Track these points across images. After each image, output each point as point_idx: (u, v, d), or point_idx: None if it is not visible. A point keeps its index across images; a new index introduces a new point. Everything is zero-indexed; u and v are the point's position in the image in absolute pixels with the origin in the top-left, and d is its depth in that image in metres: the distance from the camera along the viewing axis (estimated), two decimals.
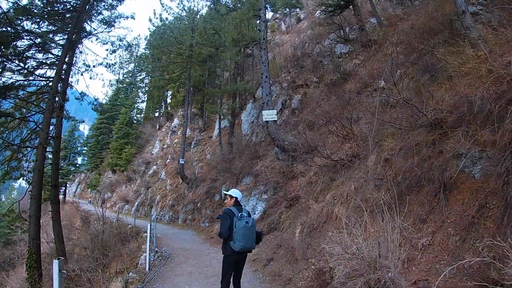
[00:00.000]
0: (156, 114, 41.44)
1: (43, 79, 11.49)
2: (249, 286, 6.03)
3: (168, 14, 19.05)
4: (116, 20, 13.87)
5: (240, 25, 12.54)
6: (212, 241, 10.71)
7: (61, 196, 30.72)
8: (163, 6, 18.67)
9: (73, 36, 11.00)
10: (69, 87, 13.16)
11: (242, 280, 4.54)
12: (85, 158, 40.12)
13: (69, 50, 10.91)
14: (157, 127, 34.99)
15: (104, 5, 13.52)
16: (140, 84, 41.02)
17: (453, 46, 6.55)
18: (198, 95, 23.92)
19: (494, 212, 3.67)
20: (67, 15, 11.69)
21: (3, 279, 15.00)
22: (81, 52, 13.44)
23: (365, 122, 8.26)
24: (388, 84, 5.36)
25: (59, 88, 11.78)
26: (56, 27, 11.29)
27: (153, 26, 19.42)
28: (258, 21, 13.19)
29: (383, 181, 5.55)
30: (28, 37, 10.37)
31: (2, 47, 9.64)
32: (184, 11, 18.78)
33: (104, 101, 39.83)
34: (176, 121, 29.47)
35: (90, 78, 14.84)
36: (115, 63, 14.59)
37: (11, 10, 9.79)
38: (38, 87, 12.04)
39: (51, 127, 12.00)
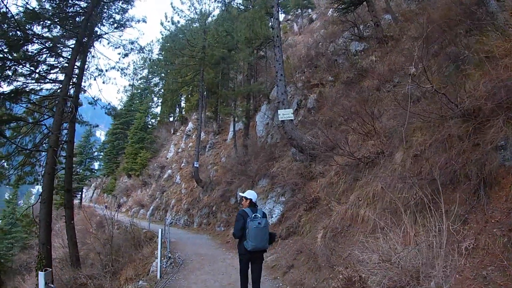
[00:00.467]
0: (171, 119, 41.64)
1: (56, 83, 11.41)
2: None
3: (180, 17, 18.83)
4: (127, 23, 13.80)
5: (253, 23, 12.24)
6: (227, 246, 10.30)
7: (77, 201, 31.16)
8: (174, 9, 18.49)
9: (84, 39, 10.87)
10: (82, 92, 13.15)
11: None
12: (101, 164, 40.56)
13: (79, 52, 10.78)
14: (172, 132, 35.04)
15: (115, 9, 13.49)
16: (154, 89, 41.29)
17: (477, 35, 6.26)
18: (212, 98, 23.71)
19: None
20: (77, 19, 11.61)
21: (19, 283, 15.03)
22: (93, 56, 13.41)
23: (388, 118, 7.76)
24: (419, 70, 4.86)
25: (72, 93, 11.75)
26: (67, 31, 11.19)
27: (165, 29, 19.35)
28: (271, 18, 12.83)
29: (414, 179, 5.03)
30: (38, 41, 10.30)
31: (13, 51, 9.58)
32: (195, 13, 18.61)
33: (119, 107, 40.41)
34: (190, 125, 29.40)
35: (103, 82, 14.76)
36: (127, 66, 14.51)
37: (21, 14, 9.73)
38: (51, 92, 12.02)
39: (64, 132, 11.97)
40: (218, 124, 25.76)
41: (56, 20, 10.99)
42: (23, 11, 9.86)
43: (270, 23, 12.44)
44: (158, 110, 43.85)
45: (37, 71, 10.75)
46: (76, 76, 11.89)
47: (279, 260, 6.86)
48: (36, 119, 11.76)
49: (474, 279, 3.38)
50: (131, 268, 8.12)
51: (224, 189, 15.02)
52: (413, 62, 4.81)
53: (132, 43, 13.97)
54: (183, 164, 25.16)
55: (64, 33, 11.90)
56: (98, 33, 12.74)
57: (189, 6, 19.26)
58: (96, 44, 13.06)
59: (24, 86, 10.52)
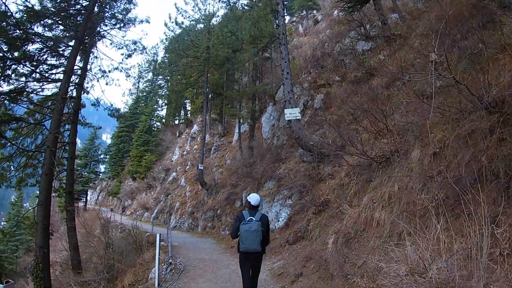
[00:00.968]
0: (176, 122, 41.52)
1: (59, 82, 11.15)
2: None
3: (184, 18, 18.60)
4: (130, 23, 13.59)
5: (258, 21, 11.90)
6: (232, 251, 9.88)
7: (81, 204, 31.04)
8: (178, 10, 18.30)
9: (84, 37, 10.63)
10: (85, 93, 12.94)
11: None
12: (107, 166, 40.50)
13: (80, 51, 10.53)
14: (177, 134, 34.87)
15: (117, 9, 13.28)
16: (159, 91, 41.20)
17: (491, 29, 6.09)
18: (217, 100, 23.45)
19: None
20: (79, 18, 11.38)
21: (22, 286, 14.75)
22: (96, 57, 13.20)
23: (401, 115, 7.36)
24: (441, 57, 4.47)
25: (73, 94, 11.53)
26: (67, 30, 10.96)
27: (169, 30, 19.14)
28: (276, 16, 12.51)
29: (434, 179, 4.62)
30: (39, 40, 10.06)
31: (12, 50, 9.34)
32: (200, 14, 18.37)
33: (124, 110, 40.39)
34: (195, 127, 29.17)
35: (107, 84, 14.56)
36: (130, 67, 14.27)
37: (20, 13, 9.51)
38: (53, 93, 11.80)
39: (66, 133, 11.75)
40: (223, 126, 25.49)
41: (57, 19, 10.76)
42: (23, 9, 9.64)
43: (276, 21, 12.11)
44: (163, 113, 43.84)
45: (38, 70, 10.49)
46: (79, 77, 11.69)
47: (287, 268, 6.41)
48: (38, 120, 11.55)
49: None
50: (131, 274, 7.73)
51: (229, 192, 14.64)
52: (435, 47, 4.41)
53: (135, 43, 13.76)
54: (188, 166, 24.89)
55: (66, 34, 11.72)
56: (101, 33, 12.52)
57: (193, 7, 19.12)
58: (99, 45, 12.88)
59: (24, 86, 10.26)
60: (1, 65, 9.90)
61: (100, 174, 36.77)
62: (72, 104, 11.53)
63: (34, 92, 10.80)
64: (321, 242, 6.28)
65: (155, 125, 39.16)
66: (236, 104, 20.23)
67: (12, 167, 11.65)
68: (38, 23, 10.82)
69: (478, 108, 4.77)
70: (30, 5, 9.55)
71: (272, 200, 10.08)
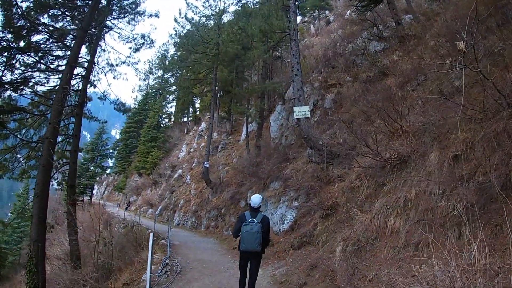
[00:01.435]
0: (185, 119, 41.43)
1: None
2: None
3: (194, 14, 18.39)
4: (138, 16, 13.39)
5: (269, 16, 11.53)
6: (234, 253, 9.48)
7: (87, 198, 31.09)
8: (188, 6, 18.08)
9: (90, 27, 10.39)
10: (92, 87, 12.77)
11: None
12: (115, 161, 40.63)
13: (83, 40, 10.29)
14: (185, 132, 34.75)
15: (126, 2, 13.08)
16: (169, 89, 41.17)
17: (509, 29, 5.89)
18: (225, 97, 23.15)
19: None
20: (86, 10, 11.17)
21: (22, 278, 14.65)
22: (104, 50, 13.02)
23: (416, 115, 6.91)
24: (469, 47, 4.05)
25: (80, 87, 11.34)
26: (73, 20, 10.75)
27: (179, 25, 18.92)
28: (286, 12, 12.10)
29: (455, 184, 4.20)
30: (45, 30, 9.84)
31: (17, 39, 9.13)
32: (210, 10, 18.10)
33: (133, 106, 40.46)
34: (203, 125, 28.99)
35: (114, 78, 14.37)
36: (138, 61, 14.06)
37: (27, 2, 9.32)
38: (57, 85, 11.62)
39: (70, 126, 11.57)
40: (231, 125, 25.24)
41: (64, 10, 10.56)
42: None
43: (287, 17, 11.71)
44: (172, 109, 43.84)
45: (43, 61, 10.28)
46: (85, 70, 11.49)
47: (290, 275, 5.97)
48: (42, 112, 11.38)
49: None
50: (127, 272, 7.43)
51: (234, 191, 14.30)
52: (465, 30, 3.99)
53: (143, 36, 13.54)
54: (194, 164, 24.68)
55: (73, 26, 11.53)
56: (108, 25, 12.32)
57: (204, 2, 18.88)
58: (107, 38, 12.72)
59: (28, 76, 10.05)
60: (6, 54, 9.73)
61: (107, 169, 36.83)
62: (78, 97, 11.35)
63: (39, 83, 10.59)
64: (328, 249, 5.85)
65: (163, 122, 39.11)
66: (245, 102, 19.93)
67: (16, 157, 11.51)
68: (45, 13, 10.66)
69: (504, 107, 4.39)
70: None
71: (277, 201, 9.69)
